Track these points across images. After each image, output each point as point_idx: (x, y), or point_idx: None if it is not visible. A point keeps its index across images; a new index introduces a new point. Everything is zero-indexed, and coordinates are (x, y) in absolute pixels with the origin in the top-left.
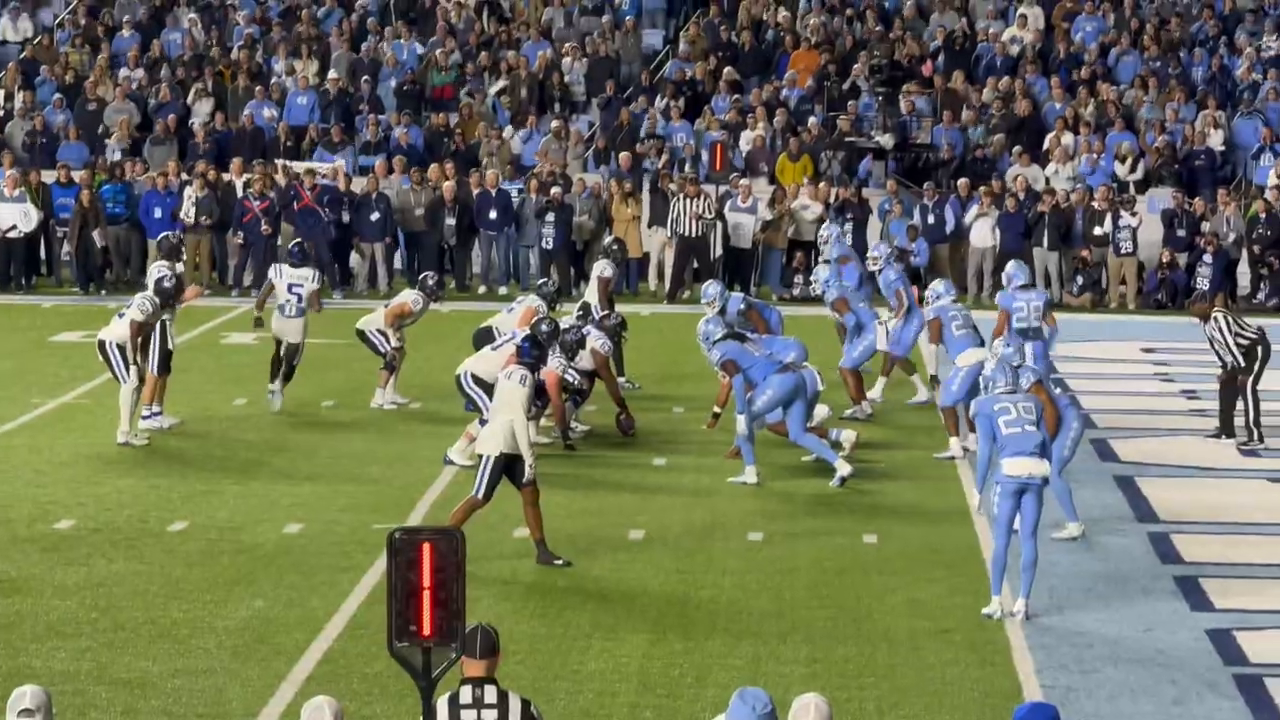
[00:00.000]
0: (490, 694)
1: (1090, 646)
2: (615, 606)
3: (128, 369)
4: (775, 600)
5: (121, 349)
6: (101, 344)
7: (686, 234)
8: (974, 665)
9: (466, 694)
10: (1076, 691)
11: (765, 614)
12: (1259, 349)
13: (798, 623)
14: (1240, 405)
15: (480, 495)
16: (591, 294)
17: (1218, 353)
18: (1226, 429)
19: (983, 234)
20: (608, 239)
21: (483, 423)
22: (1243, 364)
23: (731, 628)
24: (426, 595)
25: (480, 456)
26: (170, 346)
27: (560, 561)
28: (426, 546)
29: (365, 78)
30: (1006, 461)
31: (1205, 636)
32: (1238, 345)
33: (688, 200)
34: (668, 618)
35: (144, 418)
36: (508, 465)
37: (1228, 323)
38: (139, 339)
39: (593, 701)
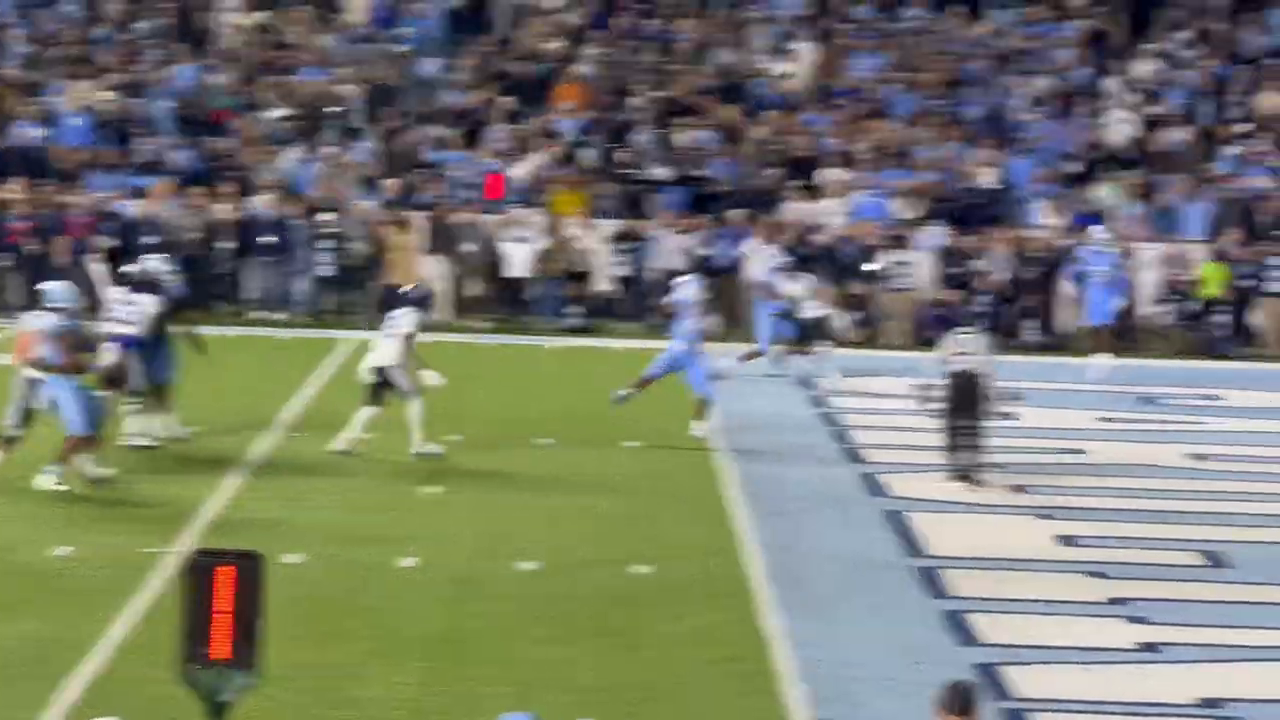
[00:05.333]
0: None
1: (858, 680)
2: (391, 634)
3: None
4: (551, 629)
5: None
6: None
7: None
8: (749, 694)
9: None
10: None
11: (541, 641)
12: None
13: (574, 652)
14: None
15: None
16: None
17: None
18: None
19: (757, 268)
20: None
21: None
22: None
23: (507, 656)
24: (222, 618)
25: None
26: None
27: None
28: (225, 569)
29: (141, 99)
30: None
31: (972, 671)
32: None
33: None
34: (443, 645)
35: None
36: None
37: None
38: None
39: None
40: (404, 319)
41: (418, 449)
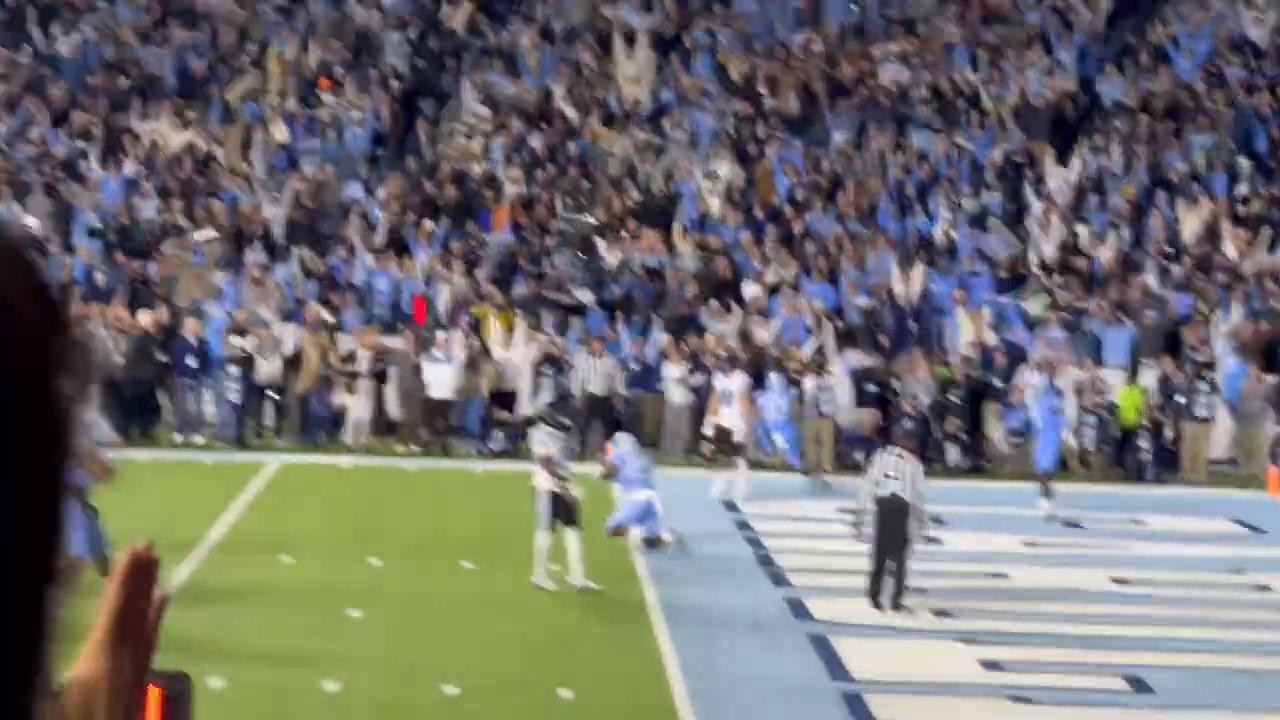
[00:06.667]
0: None
1: None
2: None
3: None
4: None
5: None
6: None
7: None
8: None
9: None
10: None
11: None
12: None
13: None
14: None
15: None
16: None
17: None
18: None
19: (679, 387)
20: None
21: None
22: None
23: None
24: None
25: None
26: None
27: None
28: (152, 689)
29: (63, 220)
30: None
31: None
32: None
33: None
34: None
35: None
36: None
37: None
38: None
39: None
40: (538, 440)
41: (576, 580)
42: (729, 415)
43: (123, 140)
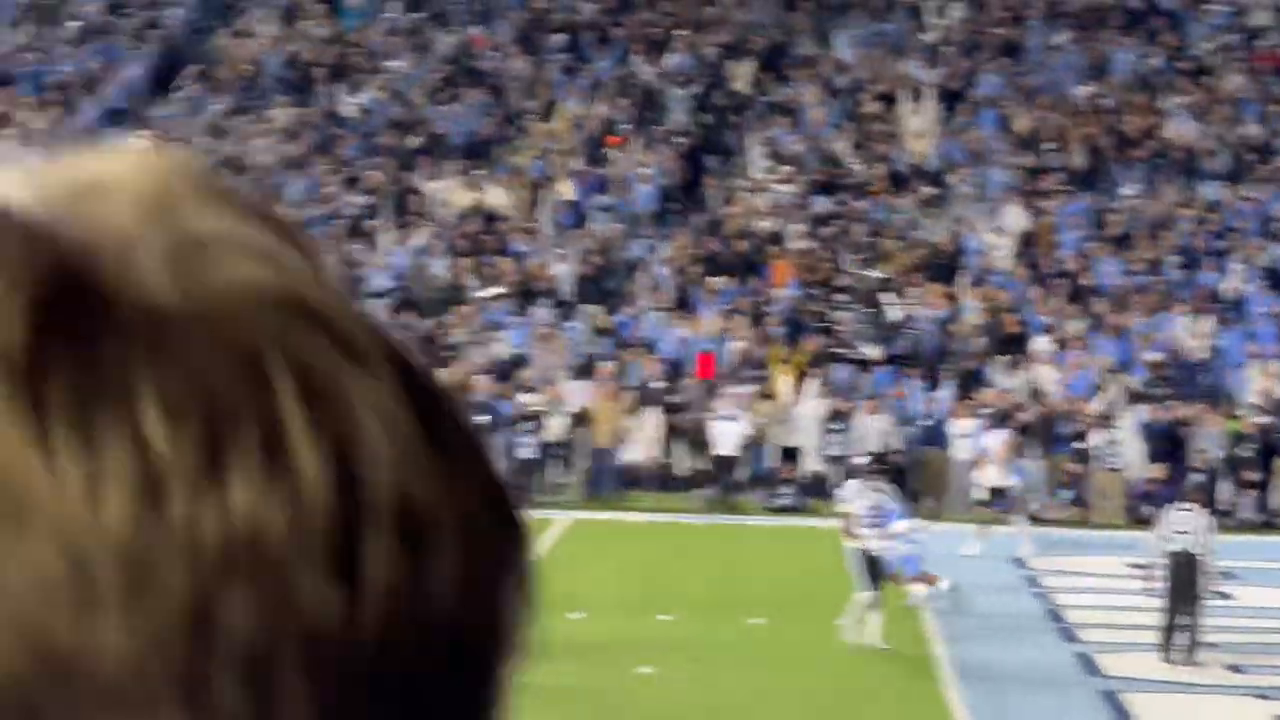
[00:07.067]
0: None
1: None
2: None
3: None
4: None
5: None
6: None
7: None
8: None
9: None
10: None
11: None
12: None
13: None
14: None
15: None
16: None
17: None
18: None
19: (966, 442)
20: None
21: None
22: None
23: None
24: None
25: None
26: None
27: None
28: None
29: (351, 280)
30: None
31: None
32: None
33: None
34: None
35: None
36: None
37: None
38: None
39: None
40: (845, 496)
41: (866, 638)
42: (994, 473)
43: (410, 200)
